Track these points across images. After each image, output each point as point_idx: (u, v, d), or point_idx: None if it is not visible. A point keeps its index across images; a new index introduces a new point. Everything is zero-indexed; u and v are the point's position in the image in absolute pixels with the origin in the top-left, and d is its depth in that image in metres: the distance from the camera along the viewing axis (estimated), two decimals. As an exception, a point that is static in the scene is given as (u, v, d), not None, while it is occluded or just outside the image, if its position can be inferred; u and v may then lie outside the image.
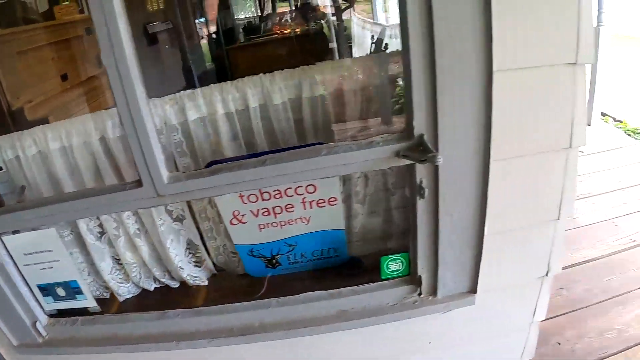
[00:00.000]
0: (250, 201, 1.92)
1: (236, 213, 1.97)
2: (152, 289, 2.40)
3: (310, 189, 1.86)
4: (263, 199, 1.91)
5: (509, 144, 1.60)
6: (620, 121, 6.12)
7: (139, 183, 1.65)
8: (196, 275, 2.36)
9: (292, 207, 1.93)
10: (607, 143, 5.45)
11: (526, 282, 1.98)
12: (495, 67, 1.46)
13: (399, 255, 1.86)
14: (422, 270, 1.84)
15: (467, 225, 1.72)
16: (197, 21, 7.33)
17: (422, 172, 1.61)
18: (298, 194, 1.89)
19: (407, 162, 1.56)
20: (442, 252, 1.77)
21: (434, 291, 1.89)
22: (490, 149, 1.57)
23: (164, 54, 5.93)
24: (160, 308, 2.01)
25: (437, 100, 1.48)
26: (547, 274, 1.95)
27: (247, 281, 2.31)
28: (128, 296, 2.39)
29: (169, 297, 2.39)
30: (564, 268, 3.37)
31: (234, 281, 2.40)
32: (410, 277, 1.89)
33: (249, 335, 1.92)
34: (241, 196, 1.91)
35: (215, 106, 2.01)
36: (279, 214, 1.96)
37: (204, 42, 7.49)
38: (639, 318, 3.01)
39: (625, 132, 5.79)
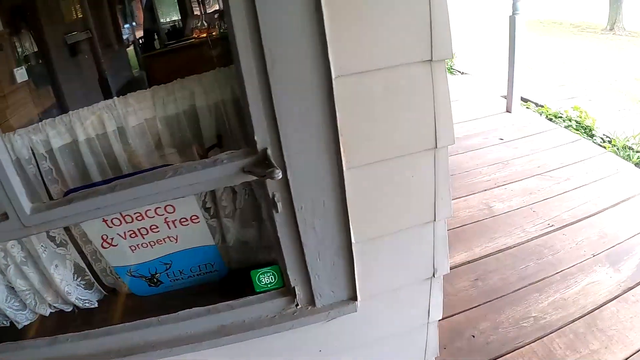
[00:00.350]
0: (115, 225, 1.86)
1: (105, 237, 1.91)
2: (47, 314, 2.32)
3: (170, 209, 1.81)
4: (126, 222, 1.85)
5: (365, 150, 1.55)
6: (542, 106, 6.22)
7: (5, 216, 1.58)
8: (85, 298, 2.29)
9: (157, 227, 1.88)
10: (527, 129, 5.53)
11: (413, 285, 1.95)
12: (335, 73, 1.40)
13: (269, 268, 1.82)
14: (295, 282, 1.78)
15: (332, 235, 1.67)
16: (126, 26, 7.17)
17: (273, 186, 1.55)
18: (159, 215, 1.83)
19: (253, 178, 1.50)
20: (311, 264, 1.72)
21: (311, 301, 1.84)
22: (342, 157, 1.51)
23: (85, 65, 5.77)
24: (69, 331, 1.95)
25: (275, 112, 1.42)
26: (434, 275, 1.92)
27: (139, 300, 2.25)
28: (26, 323, 2.30)
29: (84, 319, 2.31)
30: (480, 258, 3.46)
31: (127, 301, 2.34)
32: (285, 288, 1.84)
33: (136, 355, 1.87)
34: (105, 220, 1.85)
35: (76, 132, 1.95)
36: (146, 235, 1.90)
37: (130, 49, 7.32)
38: (556, 304, 3.04)
39: (546, 117, 5.88)
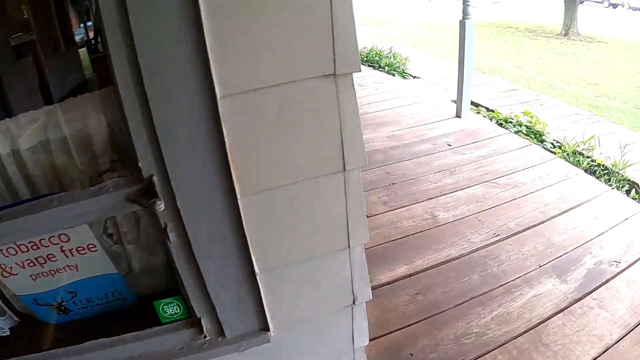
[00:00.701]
0: (11, 254, 1.74)
1: (4, 266, 1.79)
2: (-36, 341, 2.20)
3: (64, 237, 1.69)
4: (22, 251, 1.72)
5: (261, 176, 1.44)
6: (492, 111, 6.23)
7: None
8: (-3, 326, 2.17)
9: (54, 256, 1.75)
10: (476, 134, 5.52)
11: (331, 313, 1.86)
12: (220, 93, 1.28)
13: (173, 298, 1.71)
14: (200, 312, 1.67)
15: (233, 265, 1.56)
16: (81, 26, 7.00)
17: (165, 216, 1.43)
18: (53, 244, 1.71)
19: (139, 207, 1.39)
20: (214, 295, 1.61)
21: (221, 332, 1.73)
22: (234, 184, 1.40)
23: (29, 68, 5.58)
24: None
25: (157, 136, 1.30)
26: (354, 302, 1.83)
27: (52, 327, 2.14)
28: (-56, 351, 2.19)
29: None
30: (421, 271, 3.39)
31: (40, 328, 2.23)
32: (192, 319, 1.74)
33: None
34: (0, 250, 1.73)
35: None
36: (44, 264, 1.78)
37: (83, 50, 7.13)
38: (499, 318, 2.99)
39: (496, 122, 5.88)
